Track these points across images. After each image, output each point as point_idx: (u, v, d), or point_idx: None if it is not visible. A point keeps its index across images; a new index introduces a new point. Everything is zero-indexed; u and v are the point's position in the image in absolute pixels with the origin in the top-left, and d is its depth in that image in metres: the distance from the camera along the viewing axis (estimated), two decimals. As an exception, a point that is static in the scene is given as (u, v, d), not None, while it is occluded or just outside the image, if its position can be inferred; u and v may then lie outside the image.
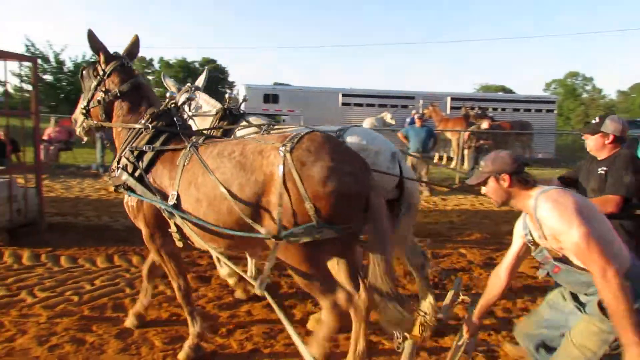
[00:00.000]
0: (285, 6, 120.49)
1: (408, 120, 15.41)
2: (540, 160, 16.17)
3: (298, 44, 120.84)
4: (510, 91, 45.11)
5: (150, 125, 3.03)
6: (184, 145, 2.93)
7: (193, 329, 3.13)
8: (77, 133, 3.44)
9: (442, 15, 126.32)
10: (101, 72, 3.20)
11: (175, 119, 3.15)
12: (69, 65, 21.65)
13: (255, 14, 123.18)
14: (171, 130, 3.07)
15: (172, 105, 3.23)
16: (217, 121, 4.07)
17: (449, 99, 16.68)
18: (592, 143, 3.04)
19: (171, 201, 2.79)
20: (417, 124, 10.10)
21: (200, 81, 4.56)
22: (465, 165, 14.84)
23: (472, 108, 15.30)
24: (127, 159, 3.00)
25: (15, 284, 4.23)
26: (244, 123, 4.01)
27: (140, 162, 2.95)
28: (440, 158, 15.04)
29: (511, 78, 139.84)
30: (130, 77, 3.21)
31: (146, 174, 2.92)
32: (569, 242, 2.11)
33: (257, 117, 4.23)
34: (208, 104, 4.34)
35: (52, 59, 21.05)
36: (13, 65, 6.77)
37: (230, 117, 4.11)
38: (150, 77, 52.94)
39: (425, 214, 8.19)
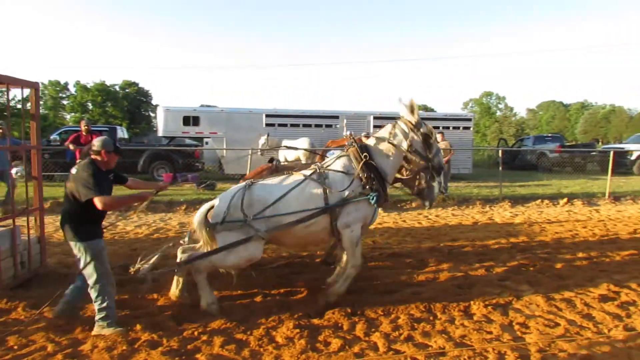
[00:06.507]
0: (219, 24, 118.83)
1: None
2: (458, 175, 16.80)
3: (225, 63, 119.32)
4: (431, 109, 47.10)
5: None
6: None
7: None
8: None
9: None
10: None
11: None
12: None
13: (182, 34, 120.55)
14: None
15: None
16: None
17: (371, 117, 16.83)
18: None
19: None
20: None
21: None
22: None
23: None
24: None
25: None
26: None
27: None
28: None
29: (432, 97, 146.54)
30: None
31: None
32: None
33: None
34: None
35: None
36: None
37: None
38: (65, 102, 48.09)
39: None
